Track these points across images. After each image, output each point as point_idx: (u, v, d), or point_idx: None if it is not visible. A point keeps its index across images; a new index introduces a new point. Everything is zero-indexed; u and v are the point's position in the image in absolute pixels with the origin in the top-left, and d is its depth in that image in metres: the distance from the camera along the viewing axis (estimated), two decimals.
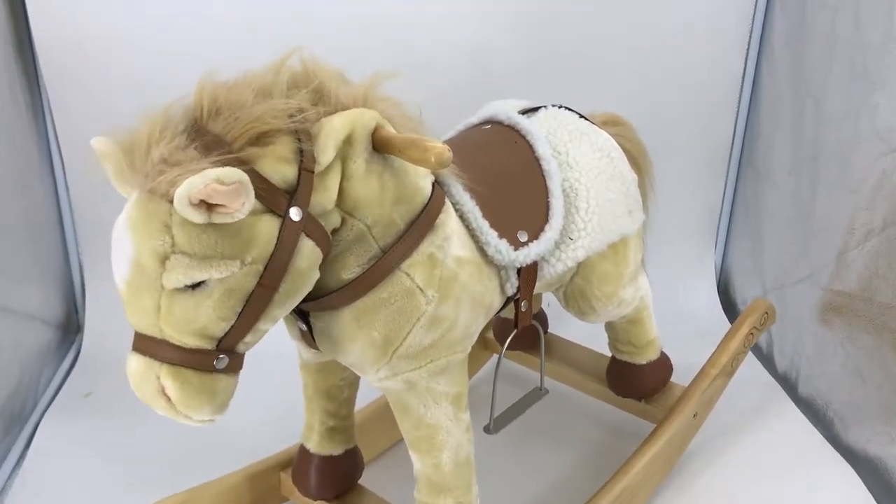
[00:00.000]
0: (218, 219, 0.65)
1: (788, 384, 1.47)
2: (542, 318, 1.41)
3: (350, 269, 0.79)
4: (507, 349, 1.41)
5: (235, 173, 0.63)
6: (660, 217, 1.79)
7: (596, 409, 1.36)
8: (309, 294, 0.80)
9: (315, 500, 1.06)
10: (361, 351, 0.83)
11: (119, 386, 1.49)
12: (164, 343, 0.67)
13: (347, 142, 0.75)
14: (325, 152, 0.73)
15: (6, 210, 1.38)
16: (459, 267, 0.85)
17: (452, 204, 0.87)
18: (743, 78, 1.66)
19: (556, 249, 0.95)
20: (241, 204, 0.64)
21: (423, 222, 0.81)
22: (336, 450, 1.05)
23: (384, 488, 1.11)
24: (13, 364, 1.36)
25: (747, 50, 1.63)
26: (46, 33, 1.47)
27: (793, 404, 1.40)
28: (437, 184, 0.86)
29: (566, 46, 1.63)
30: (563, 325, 1.40)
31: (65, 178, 1.59)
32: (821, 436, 1.31)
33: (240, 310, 0.69)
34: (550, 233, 0.93)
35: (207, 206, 0.64)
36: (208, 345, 0.68)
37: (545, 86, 1.59)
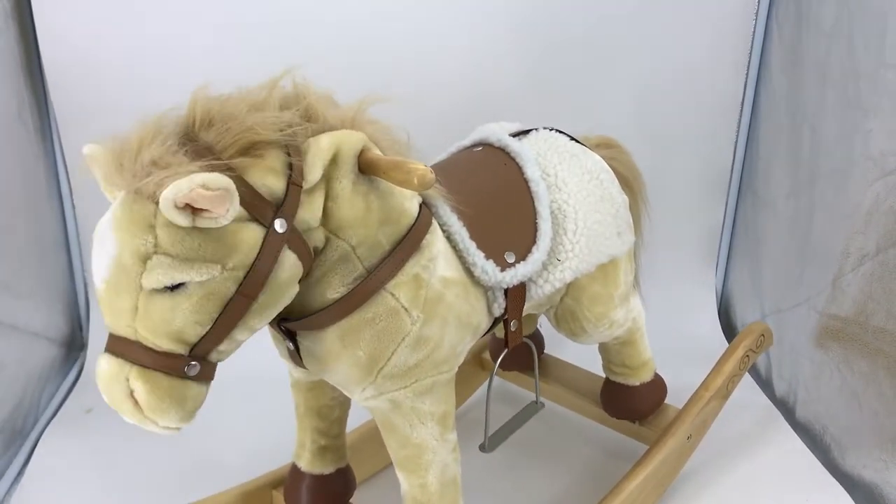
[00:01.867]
0: (202, 223, 0.66)
1: (786, 408, 1.46)
2: (538, 338, 1.42)
3: (335, 289, 0.80)
4: (504, 370, 1.43)
5: (221, 179, 0.64)
6: (661, 241, 1.80)
7: (591, 430, 1.36)
8: (295, 313, 0.81)
9: None
10: (347, 370, 0.84)
11: None
12: (137, 345, 0.67)
13: (333, 162, 0.76)
14: (313, 170, 0.74)
15: (13, 229, 1.41)
16: (445, 287, 0.86)
17: (440, 225, 0.89)
18: (742, 103, 1.67)
19: (543, 270, 0.96)
20: (226, 210, 0.66)
21: (408, 243, 0.82)
22: (327, 468, 1.06)
23: None
24: (17, 380, 1.38)
25: (746, 75, 1.64)
26: (55, 56, 1.51)
27: (790, 429, 1.40)
28: (425, 205, 0.88)
29: (568, 71, 1.65)
30: (560, 346, 1.40)
31: (71, 198, 1.62)
32: (817, 461, 1.30)
33: (216, 315, 0.69)
34: (538, 254, 0.94)
35: (192, 210, 0.65)
36: (182, 349, 0.69)
37: (545, 109, 1.60)
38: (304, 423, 1.04)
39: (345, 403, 1.04)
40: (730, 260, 1.82)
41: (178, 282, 0.66)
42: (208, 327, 0.69)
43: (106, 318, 0.69)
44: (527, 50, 1.62)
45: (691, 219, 1.79)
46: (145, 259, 0.66)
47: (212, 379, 0.73)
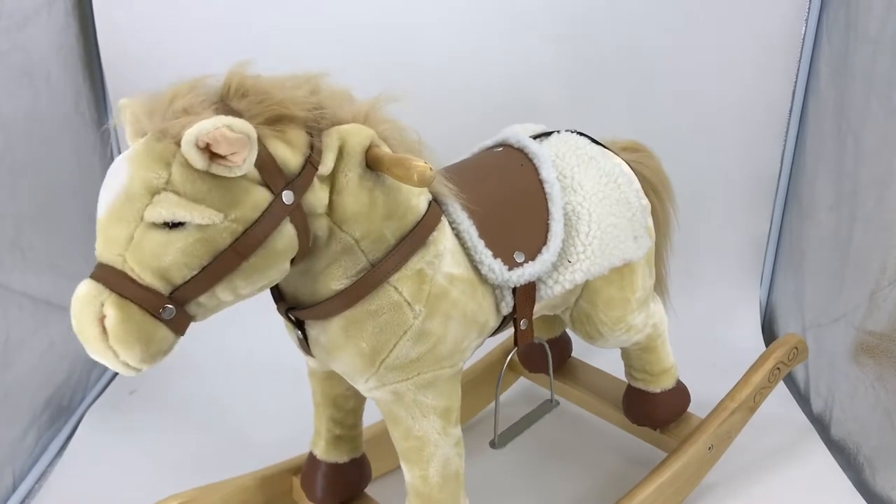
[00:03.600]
0: (217, 170, 0.69)
1: (822, 425, 1.42)
2: (565, 340, 1.42)
3: (339, 280, 0.82)
4: (531, 371, 1.44)
5: (245, 125, 0.67)
6: (706, 250, 1.78)
7: (613, 436, 1.35)
8: (302, 302, 0.84)
9: None
10: (350, 360, 0.86)
11: (161, 386, 1.57)
12: (121, 274, 0.68)
13: (340, 155, 0.79)
14: (328, 157, 0.77)
15: (66, 215, 1.48)
16: (451, 284, 0.87)
17: (450, 223, 0.90)
18: (790, 112, 1.63)
19: (553, 271, 0.96)
20: (243, 159, 0.68)
21: (413, 239, 0.84)
22: (342, 457, 1.08)
23: (391, 500, 1.13)
24: (63, 358, 1.46)
25: (795, 83, 1.61)
26: (114, 51, 1.57)
27: (823, 446, 1.36)
28: (436, 203, 0.89)
29: (613, 77, 1.64)
30: (592, 351, 1.39)
31: None
32: (849, 481, 1.27)
33: (205, 263, 0.71)
34: (547, 255, 0.94)
35: (211, 156, 0.68)
36: (163, 288, 0.69)
37: (586, 115, 1.61)
38: (320, 412, 1.07)
39: (360, 395, 1.05)
40: (775, 272, 1.78)
41: (179, 220, 0.68)
42: (195, 272, 0.70)
43: (98, 246, 0.71)
44: (568, 56, 1.62)
45: (737, 229, 1.76)
46: (154, 192, 0.68)
47: (182, 333, 0.73)
